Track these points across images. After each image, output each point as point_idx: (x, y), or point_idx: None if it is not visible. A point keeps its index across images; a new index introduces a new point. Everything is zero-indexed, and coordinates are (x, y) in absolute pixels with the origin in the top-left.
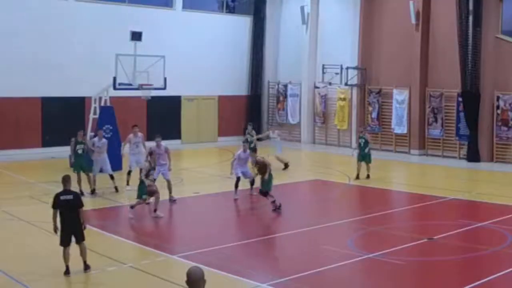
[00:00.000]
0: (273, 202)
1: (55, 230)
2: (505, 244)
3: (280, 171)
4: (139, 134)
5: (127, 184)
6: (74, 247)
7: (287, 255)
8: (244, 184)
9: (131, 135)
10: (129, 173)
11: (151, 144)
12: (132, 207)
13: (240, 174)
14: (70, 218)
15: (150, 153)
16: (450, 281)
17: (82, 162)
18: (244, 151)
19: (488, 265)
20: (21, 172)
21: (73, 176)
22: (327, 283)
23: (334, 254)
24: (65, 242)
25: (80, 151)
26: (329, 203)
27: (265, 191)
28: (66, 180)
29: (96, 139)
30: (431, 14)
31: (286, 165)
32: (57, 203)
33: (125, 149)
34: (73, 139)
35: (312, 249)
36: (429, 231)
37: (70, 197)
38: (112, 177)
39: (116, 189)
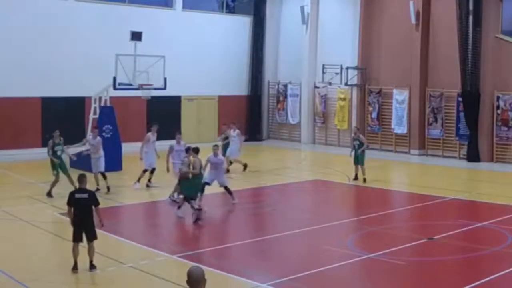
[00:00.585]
0: (197, 209)
1: (72, 223)
2: (505, 244)
3: (241, 173)
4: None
5: (138, 181)
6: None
7: (287, 255)
8: (244, 185)
9: (149, 134)
10: (145, 171)
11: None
12: (179, 207)
13: (208, 180)
14: (83, 216)
15: (187, 150)
16: (450, 281)
17: (61, 163)
18: (215, 155)
19: (488, 265)
20: (21, 172)
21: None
22: (327, 283)
23: (334, 254)
24: (77, 238)
25: (59, 152)
26: (329, 203)
27: (188, 197)
28: (81, 178)
29: (90, 137)
30: (431, 14)
31: (245, 166)
32: (72, 201)
33: (144, 148)
34: (50, 141)
35: (312, 249)
36: (429, 231)
37: (85, 195)
38: (104, 176)
39: (108, 188)
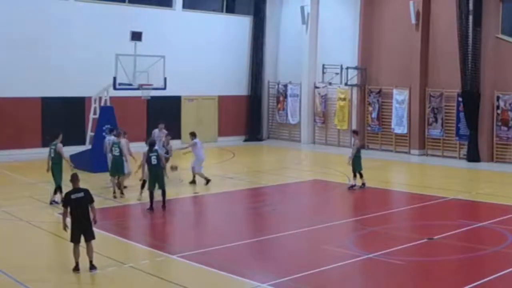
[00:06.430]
0: None
1: (64, 228)
2: (505, 244)
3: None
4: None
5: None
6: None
7: (287, 255)
8: (244, 185)
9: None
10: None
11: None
12: None
13: None
14: (81, 216)
15: None
16: (450, 281)
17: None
18: None
19: (488, 265)
20: (21, 172)
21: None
22: (327, 283)
23: (334, 254)
24: (75, 239)
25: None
26: (329, 203)
27: None
28: (74, 178)
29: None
30: (431, 14)
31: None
32: (68, 202)
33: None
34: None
35: (312, 249)
36: (429, 231)
37: (81, 194)
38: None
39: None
